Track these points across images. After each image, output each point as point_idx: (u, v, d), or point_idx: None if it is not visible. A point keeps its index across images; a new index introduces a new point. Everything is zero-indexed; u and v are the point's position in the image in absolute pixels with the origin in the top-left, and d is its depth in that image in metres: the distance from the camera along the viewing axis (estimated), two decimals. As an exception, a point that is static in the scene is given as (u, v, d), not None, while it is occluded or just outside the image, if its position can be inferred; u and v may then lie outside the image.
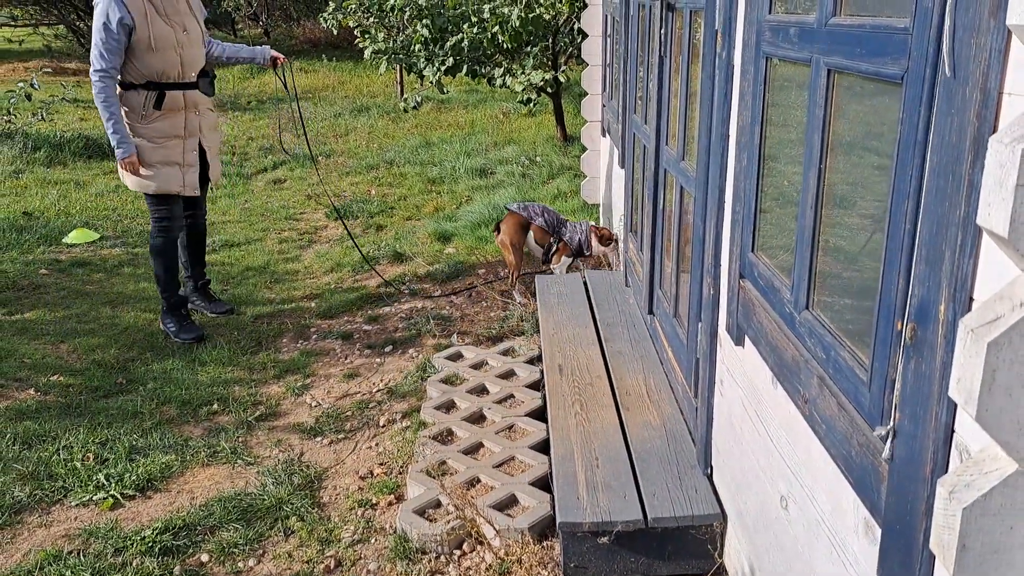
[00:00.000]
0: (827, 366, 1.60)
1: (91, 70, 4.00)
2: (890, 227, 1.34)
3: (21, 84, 9.02)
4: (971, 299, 1.11)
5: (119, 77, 4.07)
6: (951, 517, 1.02)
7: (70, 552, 2.77)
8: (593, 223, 5.02)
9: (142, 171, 4.15)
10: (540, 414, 3.37)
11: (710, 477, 2.65)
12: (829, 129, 1.63)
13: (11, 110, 8.89)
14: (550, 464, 2.93)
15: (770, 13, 1.95)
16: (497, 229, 4.86)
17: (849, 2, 1.57)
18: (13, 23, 18.33)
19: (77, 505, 3.03)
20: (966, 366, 0.99)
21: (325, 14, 9.02)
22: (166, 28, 4.08)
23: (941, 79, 1.17)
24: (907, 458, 1.27)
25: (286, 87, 4.92)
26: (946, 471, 1.18)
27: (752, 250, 2.10)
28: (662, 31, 3.18)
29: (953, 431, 1.17)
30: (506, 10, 7.28)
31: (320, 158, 8.74)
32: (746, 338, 2.15)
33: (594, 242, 4.87)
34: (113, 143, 4.07)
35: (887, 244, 1.35)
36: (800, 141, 1.77)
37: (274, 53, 4.77)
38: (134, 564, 2.69)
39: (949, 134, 1.15)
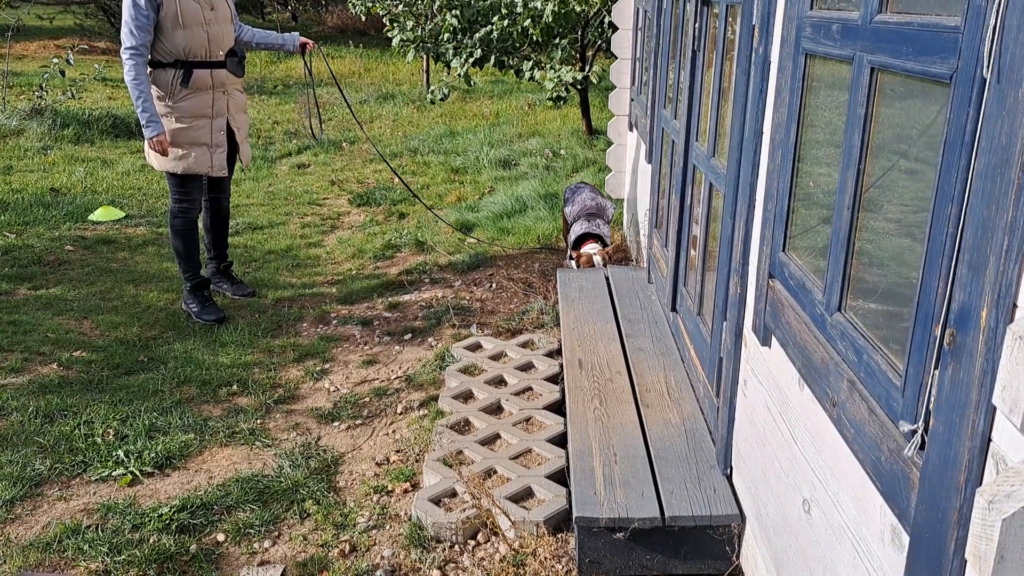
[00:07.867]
0: (858, 369, 1.57)
1: (121, 48, 4.02)
2: (931, 230, 1.31)
3: (56, 60, 9.05)
4: (1015, 305, 1.09)
5: (148, 56, 4.09)
6: (990, 528, 1.00)
7: (88, 526, 2.79)
8: (594, 245, 4.77)
9: (170, 151, 4.17)
10: (558, 408, 3.36)
11: (729, 477, 2.62)
12: (870, 129, 1.59)
13: (43, 86, 8.95)
14: (567, 458, 2.92)
15: (811, 9, 1.92)
16: None
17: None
18: (44, 0, 18.45)
19: (96, 480, 3.06)
20: (1013, 374, 0.97)
21: (354, 0, 9.01)
22: (193, 4, 4.11)
23: (992, 80, 1.14)
24: (940, 465, 1.25)
25: (310, 73, 4.91)
26: (981, 481, 1.16)
27: (783, 249, 2.07)
28: (696, 25, 3.15)
29: (990, 440, 1.14)
30: (539, 4, 7.23)
31: (344, 144, 8.75)
32: (773, 338, 2.13)
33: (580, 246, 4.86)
34: (142, 122, 4.08)
35: (927, 247, 1.32)
36: (837, 141, 1.74)
37: (303, 39, 4.77)
38: (151, 541, 2.71)
39: (999, 136, 1.12)
